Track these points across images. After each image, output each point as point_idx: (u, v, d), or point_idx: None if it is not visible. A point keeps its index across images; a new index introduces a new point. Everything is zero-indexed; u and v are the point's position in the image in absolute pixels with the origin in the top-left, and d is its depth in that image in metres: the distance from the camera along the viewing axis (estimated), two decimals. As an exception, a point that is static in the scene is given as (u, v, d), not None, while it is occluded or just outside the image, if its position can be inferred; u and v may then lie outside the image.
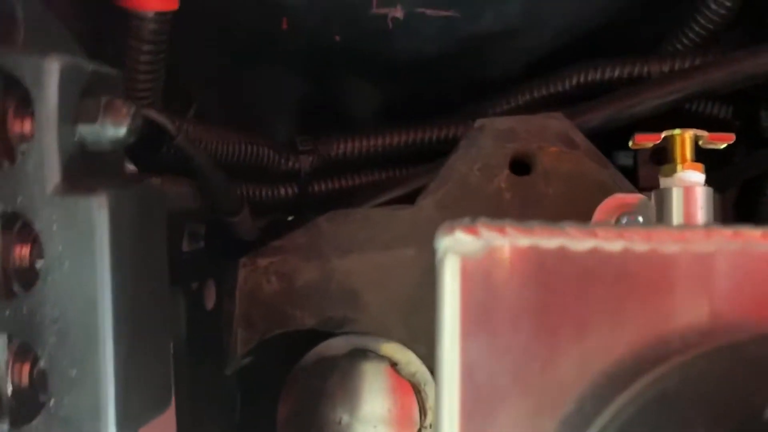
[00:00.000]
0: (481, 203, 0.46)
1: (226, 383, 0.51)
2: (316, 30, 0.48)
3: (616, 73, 0.53)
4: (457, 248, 0.22)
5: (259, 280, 0.48)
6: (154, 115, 0.37)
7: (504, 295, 0.21)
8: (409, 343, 0.46)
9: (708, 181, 0.55)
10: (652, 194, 0.41)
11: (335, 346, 0.49)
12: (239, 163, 0.47)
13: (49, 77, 0.26)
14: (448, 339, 0.21)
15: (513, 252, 0.22)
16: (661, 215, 0.40)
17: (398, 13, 0.46)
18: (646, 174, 0.55)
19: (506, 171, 0.46)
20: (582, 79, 0.53)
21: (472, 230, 0.22)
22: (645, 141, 0.41)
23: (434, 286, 0.45)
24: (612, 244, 0.21)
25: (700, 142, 0.41)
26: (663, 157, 0.54)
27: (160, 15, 0.38)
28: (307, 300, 0.47)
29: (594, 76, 0.53)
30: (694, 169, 0.40)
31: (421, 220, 0.47)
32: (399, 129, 0.53)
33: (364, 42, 0.49)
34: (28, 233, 0.29)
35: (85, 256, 0.26)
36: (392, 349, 0.48)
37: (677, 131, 0.40)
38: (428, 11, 0.47)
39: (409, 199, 0.51)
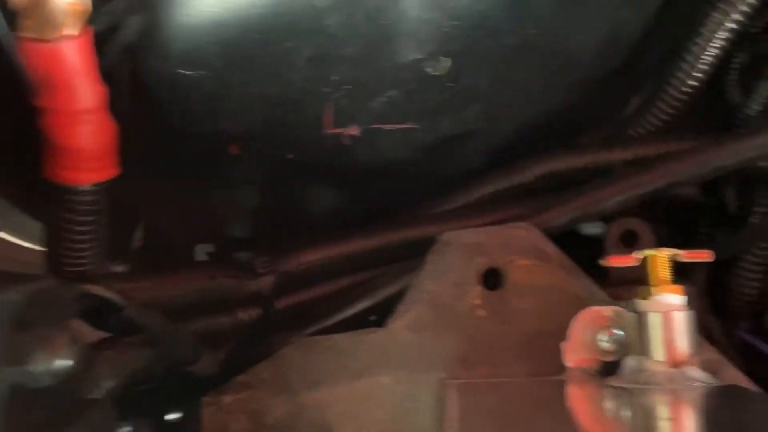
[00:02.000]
0: (454, 323, 0.44)
1: None
2: (269, 152, 0.45)
3: (580, 162, 0.51)
4: None
5: (226, 420, 0.45)
6: (98, 290, 0.34)
7: None
8: (390, 479, 0.44)
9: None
10: (631, 314, 0.39)
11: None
12: (199, 302, 0.44)
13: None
14: None
15: None
16: (641, 339, 0.38)
17: (354, 131, 0.44)
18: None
19: (478, 287, 0.45)
20: (545, 171, 0.52)
21: None
22: (620, 263, 0.40)
23: (412, 415, 0.43)
24: None
25: (678, 259, 0.39)
26: (633, 238, 0.53)
27: (97, 185, 0.35)
28: (280, 438, 0.45)
29: (557, 166, 0.52)
30: (673, 291, 0.38)
31: (393, 344, 0.45)
32: (361, 235, 0.51)
33: (320, 158, 0.46)
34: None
35: None
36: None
37: (652, 252, 0.39)
38: (385, 126, 0.45)
39: (377, 308, 0.50)
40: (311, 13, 0.37)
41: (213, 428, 0.45)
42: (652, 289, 0.38)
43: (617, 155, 0.51)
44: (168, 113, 0.40)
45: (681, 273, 0.53)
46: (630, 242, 0.52)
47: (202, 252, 0.66)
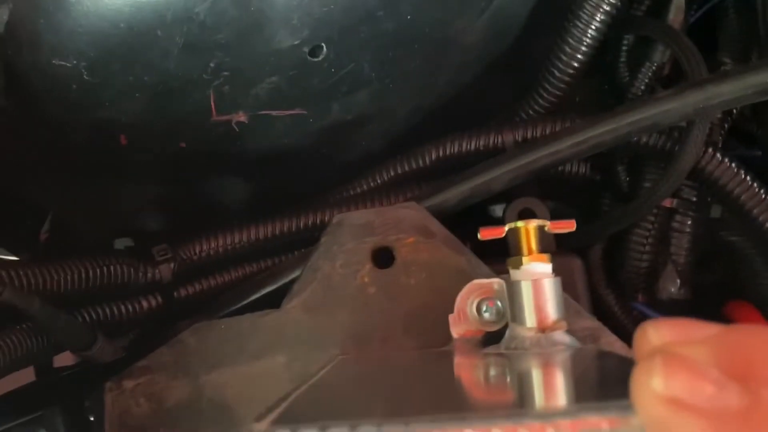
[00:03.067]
0: (346, 301, 0.46)
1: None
2: (159, 141, 0.46)
3: (473, 145, 0.53)
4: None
5: (128, 404, 0.46)
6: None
7: None
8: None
9: (573, 237, 0.57)
10: (504, 286, 0.41)
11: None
12: (89, 289, 0.45)
13: None
14: None
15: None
16: (513, 308, 0.40)
17: (242, 117, 0.45)
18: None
19: (368, 265, 0.46)
20: (441, 154, 0.54)
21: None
22: (490, 236, 0.41)
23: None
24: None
25: (546, 229, 0.41)
26: (530, 216, 0.55)
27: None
28: (180, 420, 0.46)
29: (452, 149, 0.54)
30: (540, 260, 0.40)
31: (288, 324, 0.46)
32: (264, 221, 0.52)
33: (213, 145, 0.47)
34: None
35: None
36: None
37: (520, 223, 0.41)
38: (273, 112, 0.46)
39: (284, 293, 0.51)
40: (179, 1, 0.38)
41: (115, 413, 0.46)
42: (522, 259, 0.40)
43: (507, 137, 0.53)
44: (47, 104, 0.41)
45: (578, 250, 0.55)
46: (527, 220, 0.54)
47: (120, 246, 0.67)
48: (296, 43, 0.42)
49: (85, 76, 0.40)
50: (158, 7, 0.38)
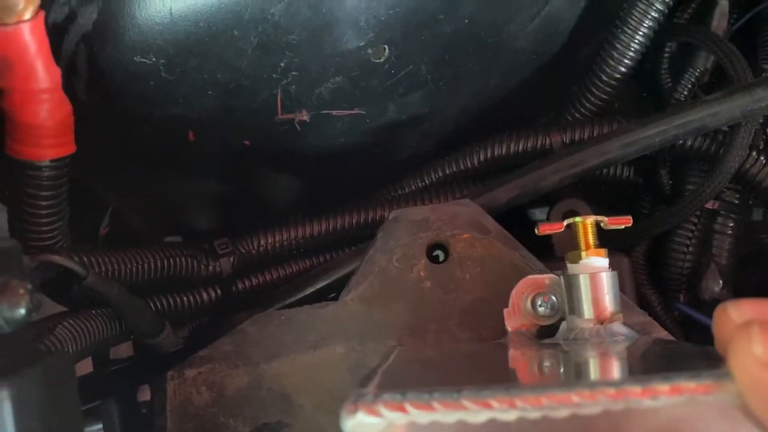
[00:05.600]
0: (402, 294, 0.47)
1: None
2: (225, 138, 0.48)
3: (520, 146, 0.55)
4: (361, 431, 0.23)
5: (189, 392, 0.48)
6: (59, 259, 0.36)
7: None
8: (345, 443, 0.46)
9: (618, 237, 0.58)
10: (561, 279, 0.42)
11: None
12: (157, 279, 0.46)
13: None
14: None
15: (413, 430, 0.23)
16: (570, 301, 0.41)
17: (305, 116, 0.47)
18: (560, 238, 0.56)
19: (424, 260, 0.47)
20: (489, 154, 0.55)
21: (372, 410, 0.23)
22: (549, 230, 0.43)
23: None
24: (507, 414, 0.22)
25: (602, 225, 0.43)
26: (574, 217, 0.56)
27: (57, 161, 0.37)
28: (240, 408, 0.47)
29: (499, 150, 0.55)
30: (598, 255, 0.41)
31: (346, 316, 0.47)
32: (318, 217, 0.54)
33: (275, 143, 0.49)
34: None
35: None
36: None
37: (578, 219, 0.42)
38: (334, 112, 0.48)
39: (337, 287, 0.52)
40: (255, 2, 0.40)
41: (177, 401, 0.47)
42: (581, 253, 0.41)
43: (555, 139, 0.54)
44: (124, 99, 0.43)
45: (622, 250, 0.57)
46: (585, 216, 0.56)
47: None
48: (361, 44, 0.44)
49: (162, 73, 0.41)
50: (236, 7, 0.40)
